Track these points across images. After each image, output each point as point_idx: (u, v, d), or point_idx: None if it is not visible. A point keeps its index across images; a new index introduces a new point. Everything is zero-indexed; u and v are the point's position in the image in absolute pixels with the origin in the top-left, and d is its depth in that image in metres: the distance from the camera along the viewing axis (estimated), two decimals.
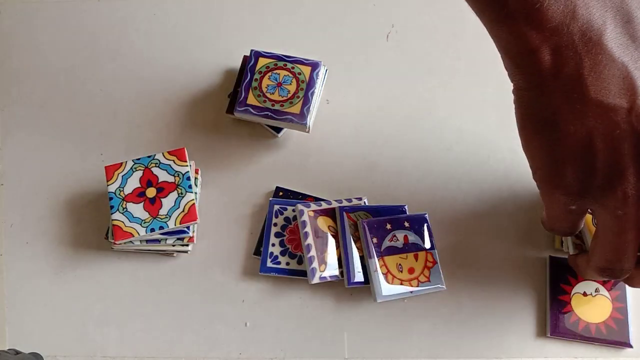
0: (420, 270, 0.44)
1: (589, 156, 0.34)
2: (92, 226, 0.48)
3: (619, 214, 0.35)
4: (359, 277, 0.44)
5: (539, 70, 0.34)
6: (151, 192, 0.44)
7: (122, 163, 0.45)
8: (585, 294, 0.45)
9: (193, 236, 0.45)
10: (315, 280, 0.43)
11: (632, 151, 0.34)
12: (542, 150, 0.36)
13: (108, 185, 0.44)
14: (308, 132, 0.48)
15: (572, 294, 0.45)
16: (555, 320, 0.44)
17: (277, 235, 0.46)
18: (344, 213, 0.45)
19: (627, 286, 0.45)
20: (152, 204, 0.44)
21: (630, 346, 0.44)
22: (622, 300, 0.44)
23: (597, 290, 0.45)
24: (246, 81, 0.49)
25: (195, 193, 0.46)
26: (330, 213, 0.46)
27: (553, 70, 0.34)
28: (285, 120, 0.47)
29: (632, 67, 0.33)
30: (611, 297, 0.45)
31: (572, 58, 0.33)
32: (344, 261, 0.44)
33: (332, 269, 0.44)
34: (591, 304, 0.44)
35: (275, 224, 0.46)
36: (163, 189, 0.44)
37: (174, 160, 0.45)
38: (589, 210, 0.37)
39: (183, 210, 0.44)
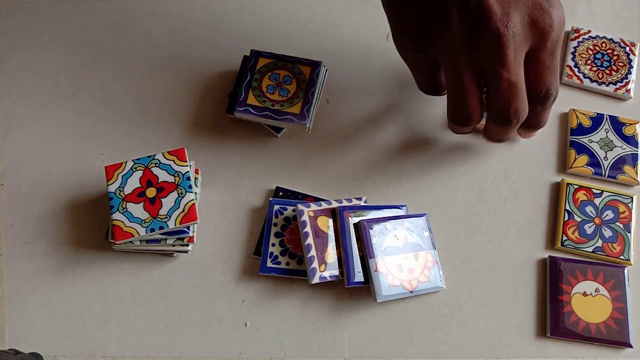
0: (420, 270, 0.44)
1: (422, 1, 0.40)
2: (92, 226, 0.48)
3: (451, 57, 0.40)
4: (359, 277, 0.44)
5: None
6: (151, 192, 0.44)
7: (122, 163, 0.45)
8: (585, 294, 0.45)
9: (193, 236, 0.45)
10: (315, 280, 0.43)
11: None
12: (390, 7, 0.42)
13: (108, 185, 0.44)
14: (308, 132, 0.48)
15: (572, 294, 0.45)
16: (555, 320, 0.44)
17: (277, 235, 0.46)
18: (344, 213, 0.45)
19: (627, 286, 0.45)
20: (152, 204, 0.44)
21: (630, 346, 0.44)
22: (622, 300, 0.44)
23: (597, 290, 0.45)
24: (246, 81, 0.49)
25: (195, 193, 0.46)
26: (330, 213, 0.46)
27: None
28: (285, 120, 0.47)
29: None
30: (611, 297, 0.45)
31: None
32: (344, 261, 0.44)
33: (332, 269, 0.44)
34: (591, 304, 0.44)
35: (275, 224, 0.46)
36: (163, 189, 0.44)
37: (174, 160, 0.45)
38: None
39: (183, 210, 0.44)
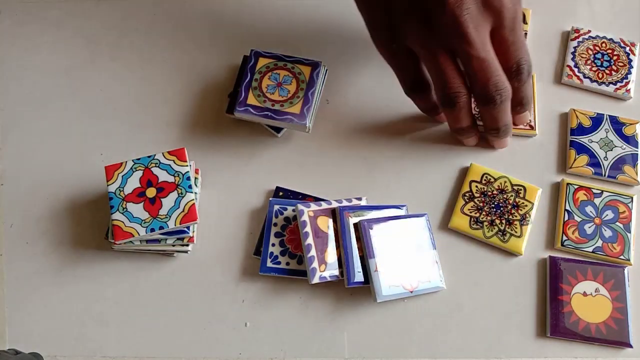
0: (420, 270, 0.44)
1: None
2: (92, 226, 0.48)
3: (421, 43, 0.43)
4: (359, 277, 0.44)
5: None
6: (151, 192, 0.44)
7: (122, 163, 0.45)
8: (585, 294, 0.45)
9: (193, 236, 0.45)
10: (315, 280, 0.43)
11: None
12: (361, 4, 0.46)
13: (108, 185, 0.44)
14: (308, 132, 0.48)
15: (572, 294, 0.45)
16: (555, 320, 0.44)
17: (277, 235, 0.46)
18: (344, 213, 0.45)
19: (627, 286, 0.45)
20: (152, 204, 0.44)
21: (630, 346, 0.44)
22: (622, 300, 0.44)
23: (597, 290, 0.45)
24: (246, 81, 0.49)
25: (195, 193, 0.46)
26: (330, 213, 0.46)
27: None
28: (285, 120, 0.47)
29: None
30: (611, 297, 0.45)
31: None
32: (344, 261, 0.44)
33: (332, 269, 0.44)
34: (591, 304, 0.44)
35: (275, 224, 0.46)
36: (163, 189, 0.44)
37: (174, 160, 0.45)
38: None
39: (183, 210, 0.44)
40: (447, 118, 0.47)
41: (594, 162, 0.49)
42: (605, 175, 0.48)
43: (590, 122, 0.50)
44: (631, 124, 0.50)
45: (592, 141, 0.50)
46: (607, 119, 0.50)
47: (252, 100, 0.48)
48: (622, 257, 0.46)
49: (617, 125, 0.50)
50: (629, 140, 0.50)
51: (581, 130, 0.50)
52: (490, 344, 0.44)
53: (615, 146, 0.49)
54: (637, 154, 0.49)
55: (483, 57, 0.42)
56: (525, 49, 0.44)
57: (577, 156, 0.49)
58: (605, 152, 0.49)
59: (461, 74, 0.44)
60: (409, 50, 0.45)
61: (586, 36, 0.54)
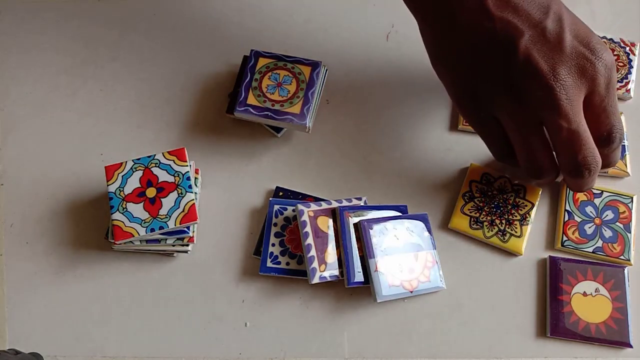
0: (420, 270, 0.44)
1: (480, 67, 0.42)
2: (92, 226, 0.48)
3: (509, 114, 0.42)
4: (359, 277, 0.44)
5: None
6: (151, 192, 0.44)
7: (122, 163, 0.45)
8: (585, 294, 0.45)
9: (193, 236, 0.45)
10: (315, 280, 0.43)
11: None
12: (446, 73, 0.45)
13: (108, 185, 0.44)
14: (308, 132, 0.48)
15: (572, 294, 0.45)
16: (555, 320, 0.44)
17: (277, 235, 0.46)
18: (344, 213, 0.45)
19: (627, 286, 0.45)
20: (152, 204, 0.44)
21: (630, 346, 0.44)
22: (622, 300, 0.44)
23: (597, 290, 0.45)
24: (246, 81, 0.49)
25: (195, 193, 0.46)
26: (330, 213, 0.46)
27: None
28: (285, 120, 0.47)
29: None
30: (611, 297, 0.45)
31: None
32: (344, 261, 0.44)
33: (332, 269, 0.44)
34: (591, 304, 0.44)
35: (275, 224, 0.46)
36: (163, 189, 0.44)
37: (174, 160, 0.45)
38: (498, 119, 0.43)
39: (183, 210, 0.44)
40: (529, 181, 0.47)
41: None
42: None
43: None
44: None
45: None
46: None
47: (252, 100, 0.48)
48: (622, 257, 0.46)
49: None
50: None
51: None
52: (490, 344, 0.44)
53: None
54: (624, 145, 0.49)
55: (574, 129, 0.40)
56: (617, 115, 0.43)
57: None
58: None
59: (549, 147, 0.43)
60: (496, 119, 0.43)
61: None
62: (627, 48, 0.53)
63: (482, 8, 0.41)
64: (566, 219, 0.47)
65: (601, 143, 0.43)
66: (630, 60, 0.53)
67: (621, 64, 0.53)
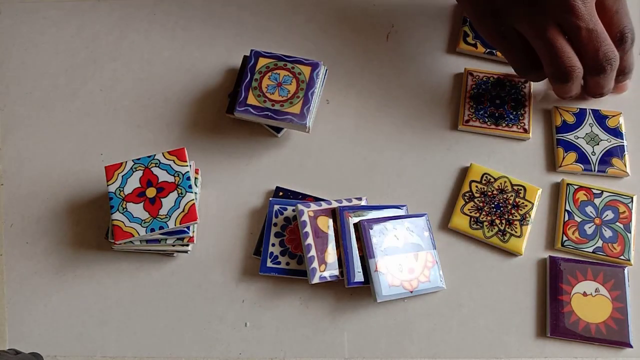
0: (420, 270, 0.44)
1: None
2: (92, 226, 0.48)
3: (528, 22, 0.44)
4: (359, 277, 0.44)
5: None
6: (151, 192, 0.44)
7: (122, 163, 0.45)
8: (585, 294, 0.45)
9: (193, 236, 0.45)
10: (315, 280, 0.43)
11: None
12: None
13: (108, 185, 0.44)
14: (308, 132, 0.48)
15: (572, 294, 0.45)
16: (555, 320, 0.44)
17: (277, 235, 0.46)
18: (344, 213, 0.45)
19: (627, 286, 0.45)
20: (152, 204, 0.44)
21: (630, 346, 0.44)
22: (622, 300, 0.44)
23: (597, 290, 0.45)
24: (246, 81, 0.49)
25: (195, 193, 0.46)
26: (330, 213, 0.46)
27: None
28: (285, 120, 0.47)
29: None
30: (611, 297, 0.45)
31: None
32: (344, 261, 0.44)
33: (332, 269, 0.44)
34: (591, 304, 0.44)
35: (275, 224, 0.46)
36: (163, 189, 0.44)
37: (174, 160, 0.45)
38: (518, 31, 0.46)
39: (183, 210, 0.44)
40: (558, 90, 0.49)
41: (583, 158, 0.49)
42: (595, 170, 0.48)
43: (574, 118, 0.50)
44: (614, 116, 0.50)
45: (578, 137, 0.49)
46: (589, 113, 0.50)
47: (252, 100, 0.48)
48: (622, 257, 0.46)
49: (600, 118, 0.50)
50: (614, 132, 0.49)
51: (566, 127, 0.50)
52: (490, 344, 0.44)
53: (602, 140, 0.49)
54: (623, 145, 0.49)
55: (592, 28, 0.44)
56: (628, 17, 0.46)
57: (565, 154, 0.49)
58: (592, 147, 0.49)
59: (570, 47, 0.45)
60: (517, 32, 0.46)
61: None
62: None
63: None
64: (566, 219, 0.47)
65: (615, 44, 0.45)
66: None
67: None
